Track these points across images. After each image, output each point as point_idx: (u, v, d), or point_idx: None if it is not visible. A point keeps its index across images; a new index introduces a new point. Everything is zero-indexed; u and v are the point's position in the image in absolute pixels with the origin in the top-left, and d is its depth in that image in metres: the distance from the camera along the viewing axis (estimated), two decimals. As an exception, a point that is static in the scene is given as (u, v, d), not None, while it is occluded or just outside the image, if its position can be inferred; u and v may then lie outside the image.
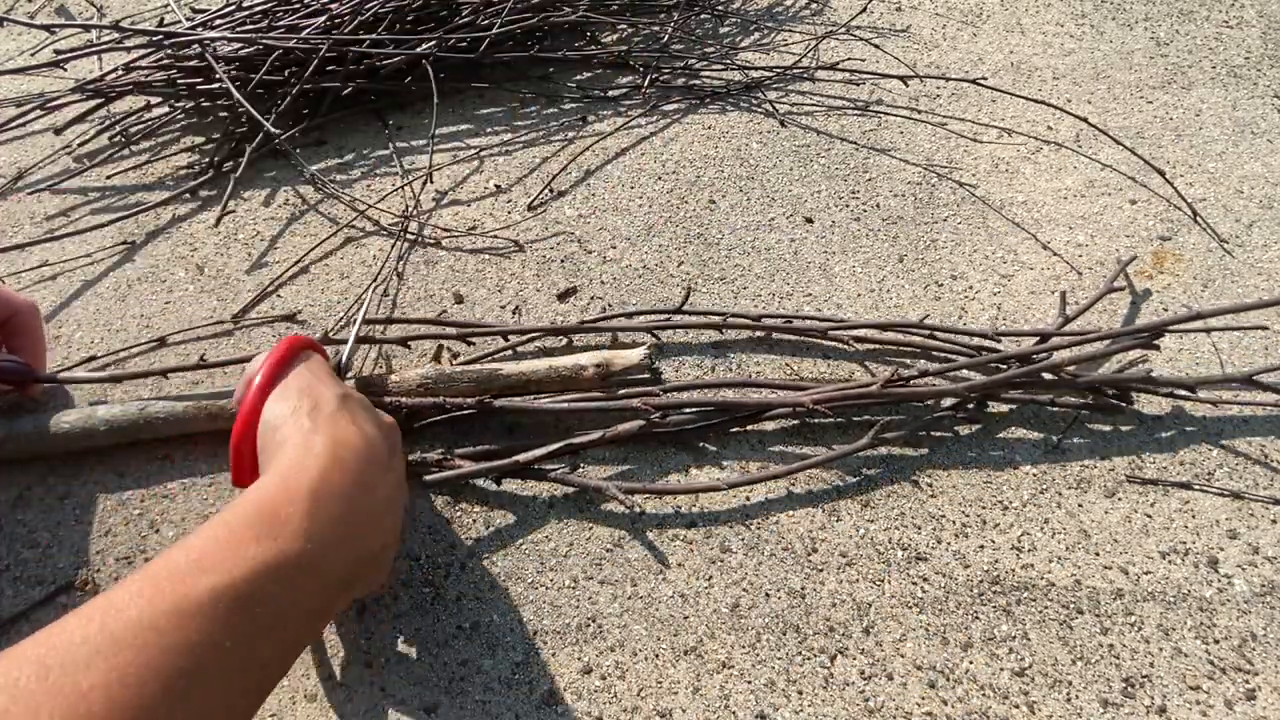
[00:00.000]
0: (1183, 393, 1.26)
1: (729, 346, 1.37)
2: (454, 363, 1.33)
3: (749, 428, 1.26)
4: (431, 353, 1.35)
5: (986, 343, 1.32)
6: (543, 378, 1.23)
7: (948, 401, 1.26)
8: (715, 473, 1.21)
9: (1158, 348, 1.27)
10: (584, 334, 1.35)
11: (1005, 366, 1.27)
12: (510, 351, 1.33)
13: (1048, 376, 1.24)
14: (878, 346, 1.36)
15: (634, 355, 1.25)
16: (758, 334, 1.37)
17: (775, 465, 1.22)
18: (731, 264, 1.50)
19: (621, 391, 1.24)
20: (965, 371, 1.26)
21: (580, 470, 1.18)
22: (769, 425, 1.26)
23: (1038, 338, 1.32)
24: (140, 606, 0.60)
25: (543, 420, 1.25)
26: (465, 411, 1.20)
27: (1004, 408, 1.28)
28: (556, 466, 1.17)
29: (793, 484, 1.20)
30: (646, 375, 1.26)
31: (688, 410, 1.23)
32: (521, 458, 1.15)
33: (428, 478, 1.14)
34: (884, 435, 1.20)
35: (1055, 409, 1.27)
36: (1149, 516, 1.17)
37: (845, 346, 1.35)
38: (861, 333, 1.35)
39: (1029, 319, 1.40)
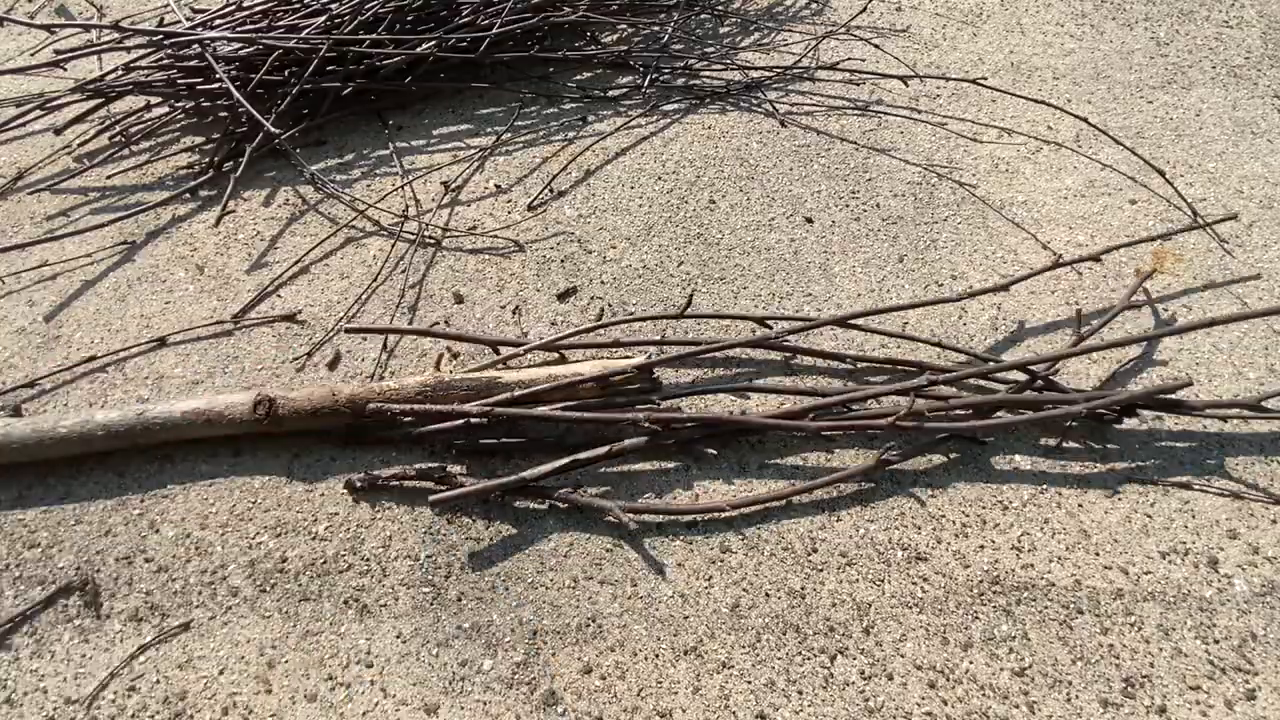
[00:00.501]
0: (1187, 416, 1.25)
1: (730, 349, 1.36)
2: (453, 370, 1.33)
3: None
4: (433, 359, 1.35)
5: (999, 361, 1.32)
6: (542, 386, 1.23)
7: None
8: (718, 484, 1.21)
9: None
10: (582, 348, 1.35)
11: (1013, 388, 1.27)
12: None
13: (1056, 395, 1.25)
14: (878, 365, 1.36)
15: (634, 364, 1.25)
16: (759, 333, 1.37)
17: (774, 481, 1.22)
18: (732, 264, 1.50)
19: (623, 402, 1.24)
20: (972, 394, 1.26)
21: (581, 484, 1.19)
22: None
23: (1054, 362, 1.30)
24: None
25: (543, 428, 1.24)
26: (462, 422, 1.19)
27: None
28: (560, 485, 1.18)
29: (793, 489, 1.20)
30: (647, 385, 1.26)
31: (689, 424, 1.21)
32: (527, 474, 1.15)
33: (432, 498, 1.15)
34: (887, 456, 1.20)
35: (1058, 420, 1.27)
36: (1149, 516, 1.17)
37: (848, 367, 1.35)
38: (874, 347, 1.35)
39: (1029, 318, 1.40)
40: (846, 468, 1.20)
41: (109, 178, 1.68)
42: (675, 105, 1.82)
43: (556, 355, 1.32)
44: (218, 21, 1.76)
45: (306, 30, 1.70)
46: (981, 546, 1.14)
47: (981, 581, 1.11)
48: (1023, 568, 1.12)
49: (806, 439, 1.25)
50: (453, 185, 1.65)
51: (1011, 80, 1.85)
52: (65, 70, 1.80)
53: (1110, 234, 1.54)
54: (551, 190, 1.64)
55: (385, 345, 1.38)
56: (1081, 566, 1.12)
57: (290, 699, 1.01)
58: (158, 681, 1.04)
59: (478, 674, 1.03)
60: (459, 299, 1.45)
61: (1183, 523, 1.16)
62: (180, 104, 1.76)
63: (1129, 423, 1.26)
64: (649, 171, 1.67)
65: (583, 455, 1.17)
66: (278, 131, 1.61)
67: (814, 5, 2.08)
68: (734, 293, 1.46)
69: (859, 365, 1.34)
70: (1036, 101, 1.77)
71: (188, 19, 1.79)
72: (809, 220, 1.58)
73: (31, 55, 1.95)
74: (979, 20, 2.03)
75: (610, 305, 1.44)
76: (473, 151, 1.73)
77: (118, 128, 1.73)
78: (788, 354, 1.34)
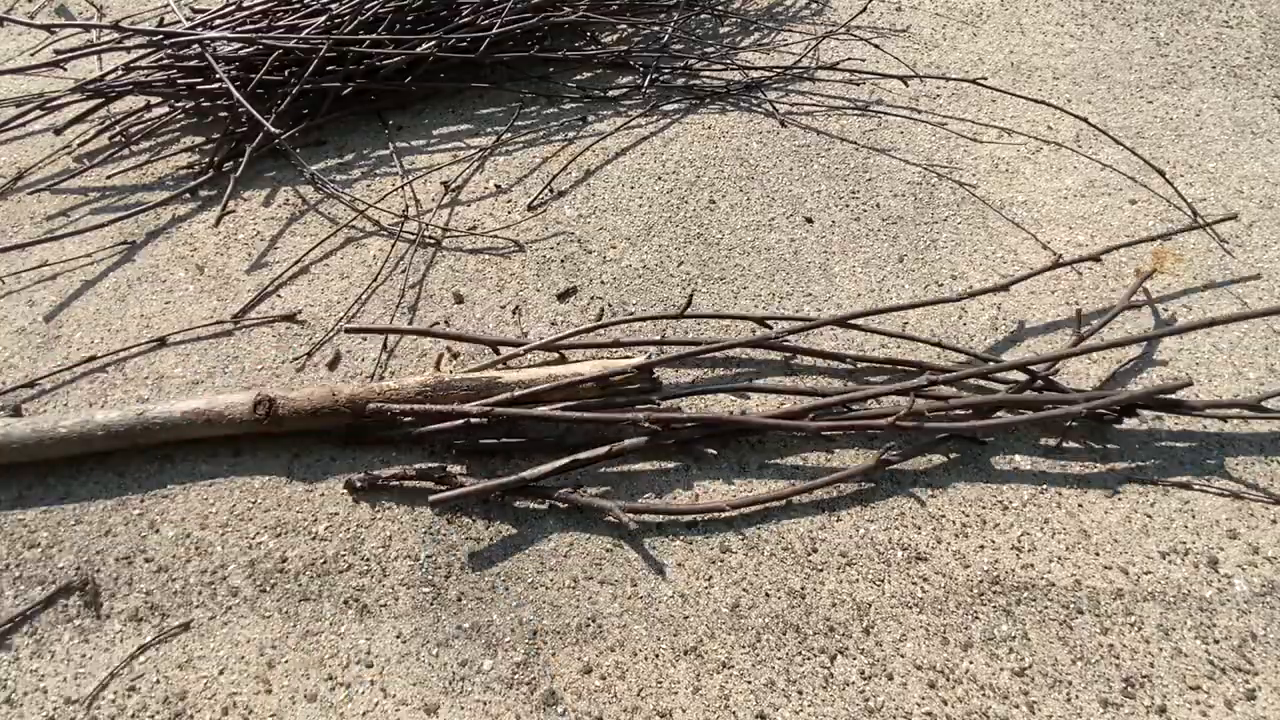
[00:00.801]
0: (1187, 416, 1.25)
1: (730, 349, 1.36)
2: (453, 370, 1.33)
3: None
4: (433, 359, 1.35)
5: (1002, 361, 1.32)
6: (542, 386, 1.23)
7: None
8: (718, 484, 1.21)
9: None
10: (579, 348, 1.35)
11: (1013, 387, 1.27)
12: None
13: (1055, 395, 1.25)
14: (878, 365, 1.36)
15: (634, 364, 1.25)
16: (759, 333, 1.37)
17: (774, 481, 1.22)
18: (732, 264, 1.50)
19: (623, 402, 1.24)
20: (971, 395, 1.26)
21: (581, 484, 1.19)
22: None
23: (1054, 362, 1.30)
24: None
25: (543, 428, 1.24)
26: (462, 422, 1.19)
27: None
28: (560, 485, 1.18)
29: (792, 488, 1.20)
30: (647, 385, 1.27)
31: (689, 424, 1.21)
32: (527, 474, 1.15)
33: (432, 498, 1.15)
34: (887, 456, 1.20)
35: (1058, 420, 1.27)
36: (1149, 516, 1.17)
37: (848, 367, 1.35)
38: (874, 347, 1.35)
39: (1029, 318, 1.40)
40: (846, 468, 1.20)
41: (109, 178, 1.68)
42: (675, 105, 1.82)
43: (556, 355, 1.32)
44: (218, 21, 1.76)
45: (306, 30, 1.70)
46: (981, 546, 1.14)
47: (981, 581, 1.11)
48: (1023, 568, 1.12)
49: (806, 439, 1.25)
50: (453, 185, 1.65)
51: (1011, 80, 1.85)
52: (65, 70, 1.80)
53: (1110, 234, 1.54)
54: (551, 190, 1.64)
55: (385, 345, 1.38)
56: (1081, 566, 1.12)
57: (290, 699, 1.01)
58: (158, 681, 1.04)
59: (478, 674, 1.03)
60: (459, 299, 1.45)
61: (1183, 523, 1.16)
62: (180, 104, 1.76)
63: (1129, 423, 1.26)
64: (649, 171, 1.67)
65: (583, 455, 1.17)
66: (278, 131, 1.61)
67: (814, 5, 2.08)
68: (734, 293, 1.46)
69: (859, 365, 1.34)
70: (1036, 101, 1.77)
71: (188, 19, 1.79)
72: (809, 220, 1.58)
73: (31, 55, 1.95)
74: (979, 20, 2.03)
75: (610, 305, 1.44)
76: (473, 151, 1.73)
77: (118, 128, 1.73)
78: (788, 354, 1.34)
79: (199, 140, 1.75)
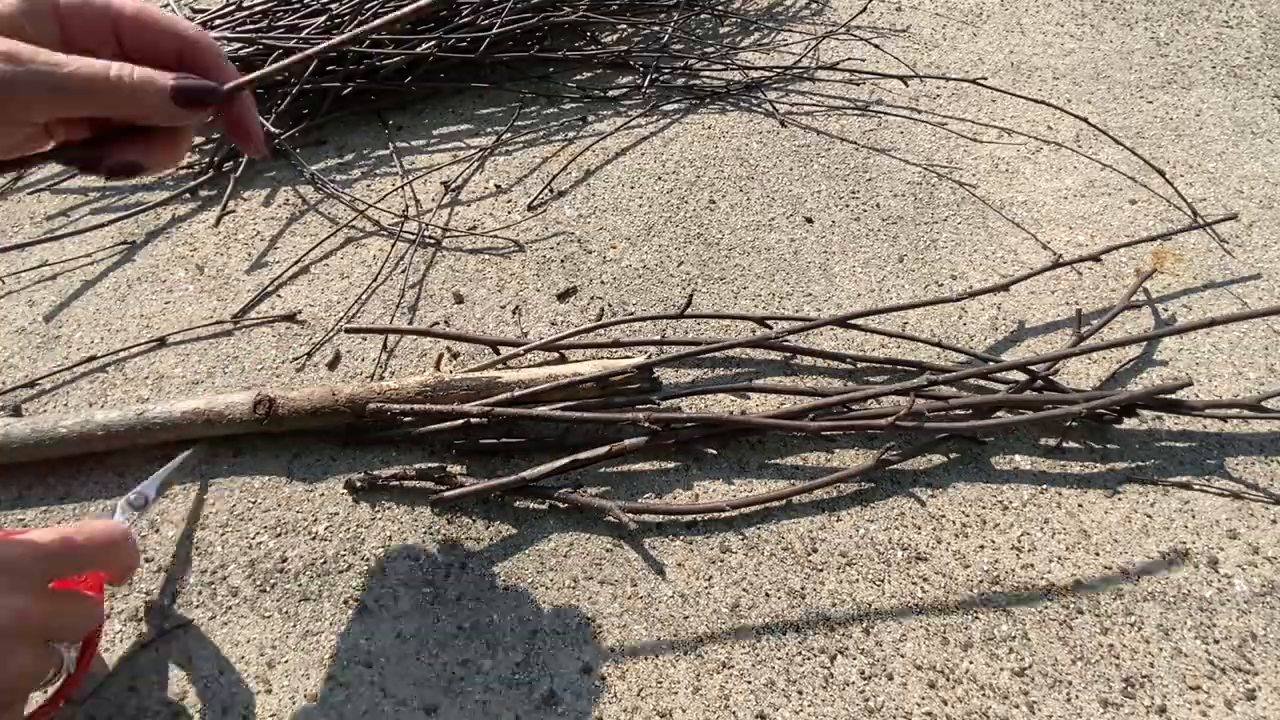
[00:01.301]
0: (1187, 416, 1.25)
1: (730, 349, 1.36)
2: (453, 370, 1.33)
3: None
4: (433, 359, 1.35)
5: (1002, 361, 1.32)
6: (542, 386, 1.23)
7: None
8: (718, 484, 1.21)
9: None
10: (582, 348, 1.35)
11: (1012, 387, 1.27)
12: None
13: (1053, 394, 1.24)
14: (878, 365, 1.36)
15: (634, 364, 1.25)
16: (759, 333, 1.37)
17: (774, 481, 1.22)
18: (731, 264, 1.50)
19: (623, 402, 1.24)
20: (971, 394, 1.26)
21: (581, 484, 1.19)
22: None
23: (1054, 362, 1.30)
24: None
25: (543, 428, 1.25)
26: (462, 422, 1.19)
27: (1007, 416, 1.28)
28: (560, 485, 1.18)
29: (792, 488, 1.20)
30: (647, 385, 1.27)
31: (689, 424, 1.22)
32: (527, 474, 1.15)
33: (432, 498, 1.15)
34: (886, 457, 1.20)
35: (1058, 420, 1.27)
36: (1149, 516, 1.17)
37: (848, 367, 1.35)
38: (874, 347, 1.35)
39: (1029, 318, 1.40)
40: (846, 468, 1.20)
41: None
42: (675, 105, 1.82)
43: (556, 355, 1.32)
44: (218, 21, 1.76)
45: (306, 30, 1.70)
46: (981, 546, 1.14)
47: (981, 581, 1.11)
48: (1023, 568, 1.12)
49: (806, 439, 1.25)
50: (453, 185, 1.65)
51: (1011, 80, 1.85)
52: (65, 70, 1.80)
53: (1110, 234, 1.54)
54: (551, 190, 1.64)
55: (385, 345, 1.38)
56: (1081, 566, 1.12)
57: (290, 699, 1.01)
58: (157, 682, 1.04)
59: (478, 674, 1.03)
60: (459, 299, 1.45)
61: (1183, 523, 1.16)
62: (180, 104, 1.76)
63: (1129, 423, 1.26)
64: (649, 171, 1.67)
65: (583, 455, 1.17)
66: (278, 131, 1.62)
67: (814, 5, 2.08)
68: (734, 293, 1.46)
69: (859, 365, 1.34)
70: (1036, 101, 1.77)
71: (187, 19, 1.79)
72: (809, 220, 1.58)
73: (31, 55, 1.95)
74: (979, 20, 2.03)
75: (610, 305, 1.44)
76: (473, 151, 1.73)
77: (118, 128, 1.73)
78: (788, 354, 1.34)
79: (199, 140, 1.75)
